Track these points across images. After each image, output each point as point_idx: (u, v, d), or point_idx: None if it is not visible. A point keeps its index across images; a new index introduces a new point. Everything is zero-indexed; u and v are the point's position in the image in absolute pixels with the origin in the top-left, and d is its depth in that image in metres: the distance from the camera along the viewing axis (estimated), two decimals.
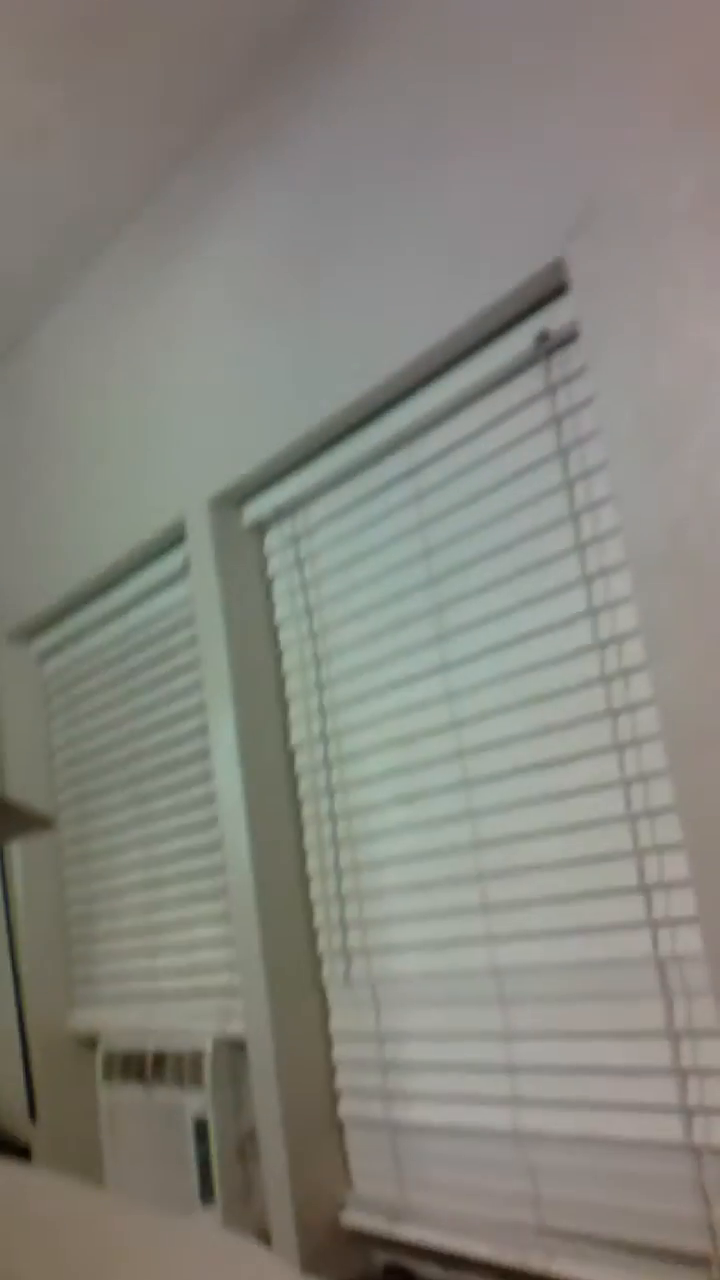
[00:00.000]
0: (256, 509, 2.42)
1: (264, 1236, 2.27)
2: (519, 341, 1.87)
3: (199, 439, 2.49)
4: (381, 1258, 2.20)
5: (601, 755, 1.78)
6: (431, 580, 2.08)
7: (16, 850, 3.14)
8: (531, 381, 1.89)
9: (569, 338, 1.80)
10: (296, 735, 2.40)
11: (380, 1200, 2.18)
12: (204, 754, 2.55)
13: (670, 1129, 1.68)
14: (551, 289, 1.79)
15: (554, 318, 1.81)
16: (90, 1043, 2.93)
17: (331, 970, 2.31)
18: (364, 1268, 2.21)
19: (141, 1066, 2.61)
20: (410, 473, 2.13)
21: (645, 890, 1.72)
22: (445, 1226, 2.04)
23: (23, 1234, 1.03)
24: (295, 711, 2.41)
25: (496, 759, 1.96)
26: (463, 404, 2.00)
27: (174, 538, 2.61)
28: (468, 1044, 2.01)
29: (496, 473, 1.96)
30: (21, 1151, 3.00)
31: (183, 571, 2.60)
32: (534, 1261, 1.87)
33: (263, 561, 2.47)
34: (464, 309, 1.88)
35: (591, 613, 1.80)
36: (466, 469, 2.01)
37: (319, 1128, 2.28)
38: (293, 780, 2.40)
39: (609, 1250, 1.78)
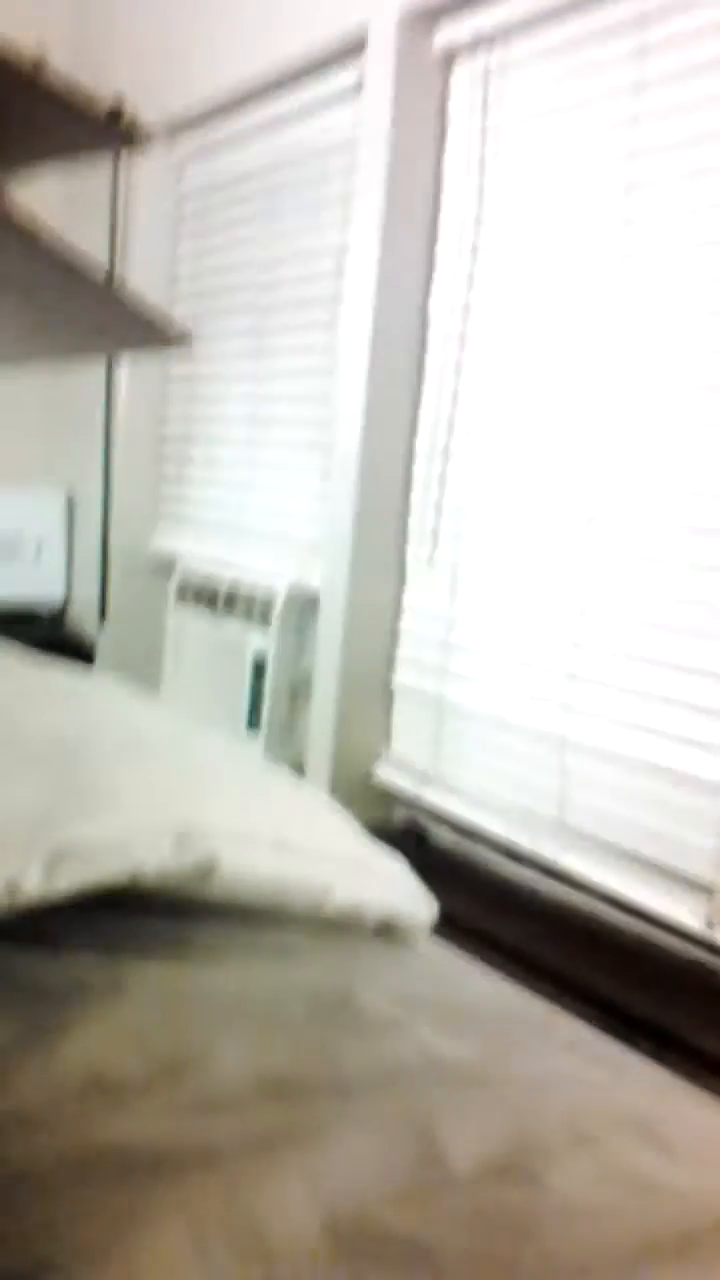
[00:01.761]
0: (451, 33, 2.13)
1: (298, 772, 2.41)
2: None
3: None
4: (402, 815, 2.34)
5: None
6: (631, 155, 1.85)
7: (125, 366, 3.08)
8: None
9: None
10: (437, 301, 2.24)
11: (414, 763, 2.29)
12: (336, 299, 2.41)
13: (711, 768, 1.71)
14: None
15: None
16: (168, 565, 3.00)
17: (417, 548, 2.30)
18: (384, 820, 2.36)
19: (214, 596, 2.68)
20: (638, 21, 1.83)
21: None
22: (469, 799, 2.14)
23: (124, 751, 1.06)
24: (442, 273, 2.24)
25: (638, 380, 1.82)
26: None
27: (350, 49, 2.32)
28: (536, 644, 2.02)
29: None
30: (86, 651, 3.16)
31: (352, 92, 2.35)
32: (545, 849, 1.98)
33: (445, 96, 2.20)
34: None
35: None
36: (711, 29, 1.72)
37: (371, 687, 2.36)
38: (422, 348, 2.27)
39: (620, 857, 1.86)
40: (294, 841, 0.96)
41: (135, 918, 0.91)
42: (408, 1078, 0.76)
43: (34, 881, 0.82)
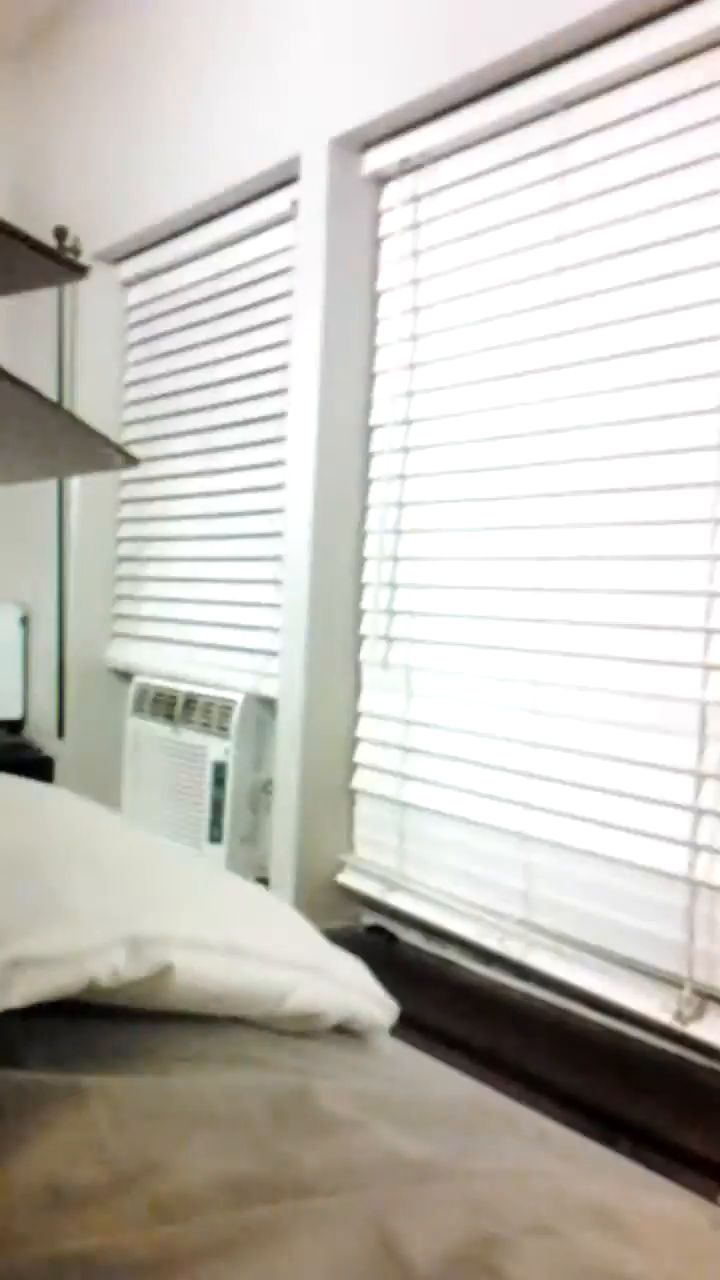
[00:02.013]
0: (380, 158, 2.24)
1: (262, 881, 2.40)
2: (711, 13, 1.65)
3: (329, 70, 2.27)
4: (369, 919, 2.33)
5: (694, 489, 1.71)
6: (558, 270, 1.93)
7: (76, 483, 3.13)
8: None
9: None
10: (378, 414, 2.31)
11: (378, 867, 2.29)
12: (280, 415, 2.48)
13: (674, 861, 1.72)
14: None
15: None
16: (125, 676, 3.02)
17: (370, 652, 2.33)
18: (351, 925, 2.35)
19: (172, 706, 2.69)
20: (556, 146, 1.93)
21: (706, 632, 1.69)
22: (435, 903, 2.14)
23: (78, 861, 1.07)
24: (380, 388, 2.31)
25: (578, 471, 1.88)
26: (634, 76, 1.79)
27: (285, 177, 2.43)
28: (492, 744, 2.04)
29: (663, 157, 1.76)
30: (45, 764, 3.15)
31: (288, 215, 2.44)
32: (513, 950, 1.97)
33: (376, 218, 2.30)
34: None
35: None
36: (625, 150, 1.82)
37: (332, 792, 2.37)
38: (366, 459, 2.33)
39: (588, 954, 1.86)
40: (249, 946, 0.97)
41: (91, 1027, 0.91)
42: (367, 1176, 0.76)
43: None
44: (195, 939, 0.93)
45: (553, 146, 1.94)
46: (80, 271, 1.04)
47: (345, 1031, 1.04)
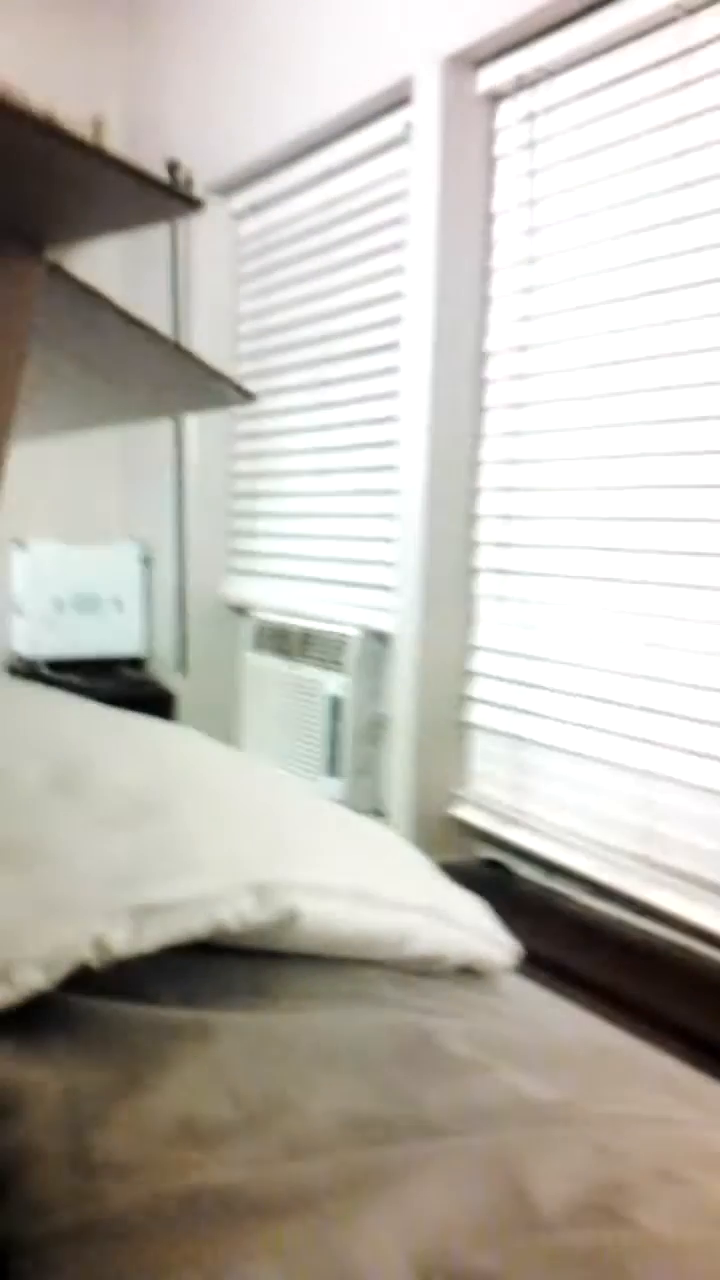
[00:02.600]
0: (493, 76, 2.16)
1: (378, 814, 2.42)
2: None
3: None
4: (484, 854, 2.33)
5: None
6: (680, 186, 1.85)
7: (192, 421, 3.15)
8: None
9: None
10: (494, 339, 2.26)
11: (494, 802, 2.28)
12: (394, 345, 2.44)
13: None
14: None
15: None
16: (242, 612, 3.04)
17: (486, 586, 2.31)
18: (466, 859, 2.35)
19: (288, 642, 2.71)
20: (680, 55, 1.84)
21: None
22: (551, 837, 2.13)
23: (203, 804, 1.08)
24: (495, 313, 2.26)
25: (700, 397, 1.82)
26: None
27: (397, 99, 2.37)
28: (610, 679, 2.01)
29: None
30: (167, 700, 3.21)
31: (401, 138, 2.39)
32: (631, 885, 1.96)
33: (491, 137, 2.23)
34: None
35: None
36: None
37: (447, 725, 2.37)
38: (481, 387, 2.29)
39: (708, 891, 1.84)
40: (373, 891, 0.97)
41: (219, 966, 0.93)
42: (493, 1118, 0.76)
43: (120, 939, 0.84)
44: (320, 885, 0.94)
45: (675, 57, 1.85)
46: (195, 205, 1.03)
47: (468, 971, 1.04)
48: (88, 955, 0.83)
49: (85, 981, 0.86)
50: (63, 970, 0.82)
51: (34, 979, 0.80)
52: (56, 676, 3.18)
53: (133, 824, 0.98)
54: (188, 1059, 0.80)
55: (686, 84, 1.84)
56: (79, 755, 1.20)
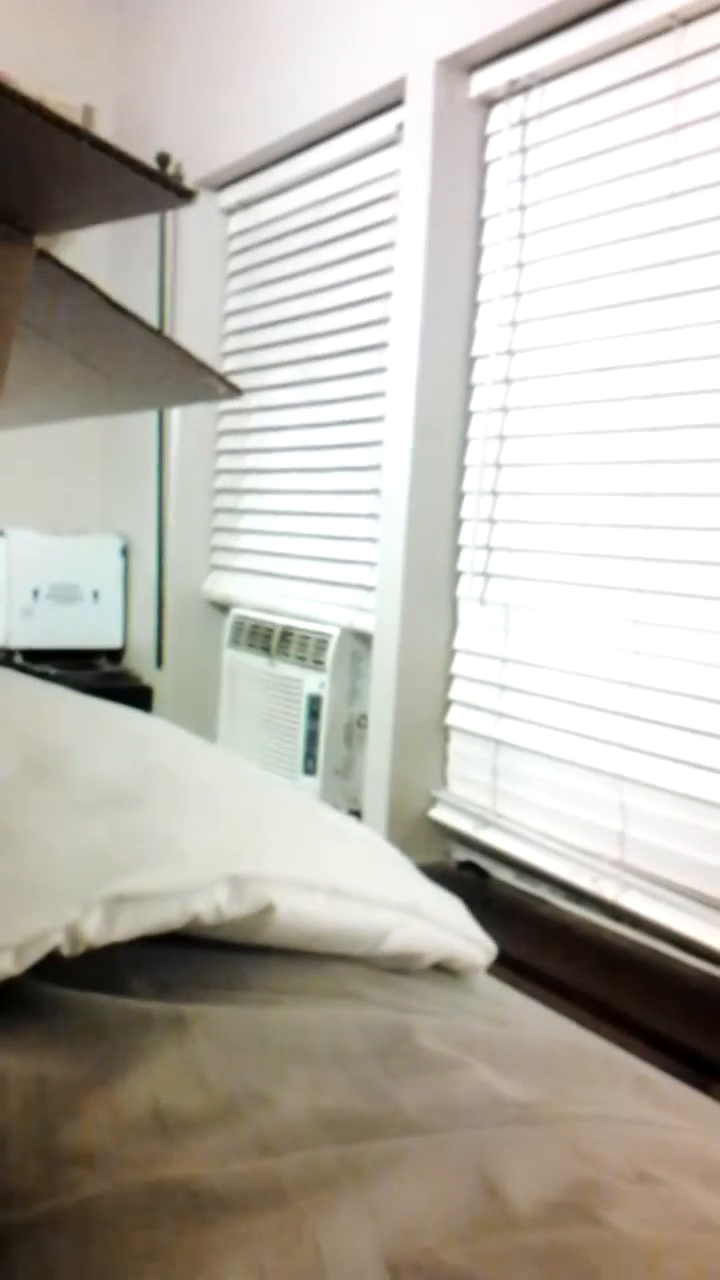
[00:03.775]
0: (487, 79, 2.17)
1: (355, 814, 2.41)
2: None
3: None
4: (461, 855, 2.34)
5: None
6: (670, 195, 1.86)
7: (176, 414, 3.14)
8: None
9: None
10: (482, 342, 2.27)
11: (471, 804, 2.28)
12: (381, 346, 2.44)
13: None
14: None
15: None
16: (222, 609, 3.04)
17: (467, 588, 2.31)
18: (442, 860, 2.35)
19: (268, 639, 2.71)
20: (673, 65, 1.85)
21: None
22: (528, 840, 2.13)
23: (181, 795, 1.08)
24: (483, 316, 2.26)
25: (685, 405, 1.83)
26: None
27: (390, 100, 2.37)
28: (589, 683, 2.01)
29: None
30: (144, 694, 3.20)
31: (393, 139, 2.39)
32: (607, 890, 1.96)
33: (482, 141, 2.24)
34: None
35: None
36: None
37: (426, 727, 2.37)
38: (467, 389, 2.30)
39: (683, 897, 1.84)
40: (349, 887, 0.97)
41: (194, 958, 0.92)
42: (467, 1116, 0.76)
43: (94, 927, 0.84)
44: (297, 878, 0.94)
45: (668, 66, 1.86)
46: (187, 196, 1.02)
47: (444, 970, 1.04)
48: (60, 942, 0.82)
49: (57, 970, 0.85)
50: (34, 957, 0.81)
51: (4, 965, 0.79)
52: (33, 667, 3.16)
53: (109, 812, 0.97)
54: (160, 1050, 0.79)
55: (680, 93, 1.84)
56: (55, 742, 1.19)
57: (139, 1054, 0.80)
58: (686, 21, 1.82)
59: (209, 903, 0.88)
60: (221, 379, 1.34)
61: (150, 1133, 0.73)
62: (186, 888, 0.88)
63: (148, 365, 1.39)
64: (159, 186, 1.05)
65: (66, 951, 0.83)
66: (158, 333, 1.29)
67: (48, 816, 0.98)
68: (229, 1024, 0.84)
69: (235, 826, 1.02)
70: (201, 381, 1.41)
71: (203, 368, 1.28)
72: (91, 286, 1.12)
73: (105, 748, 1.21)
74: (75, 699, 1.50)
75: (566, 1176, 0.70)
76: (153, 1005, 0.85)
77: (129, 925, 0.85)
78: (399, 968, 1.01)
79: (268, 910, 0.90)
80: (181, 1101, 0.75)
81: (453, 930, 1.04)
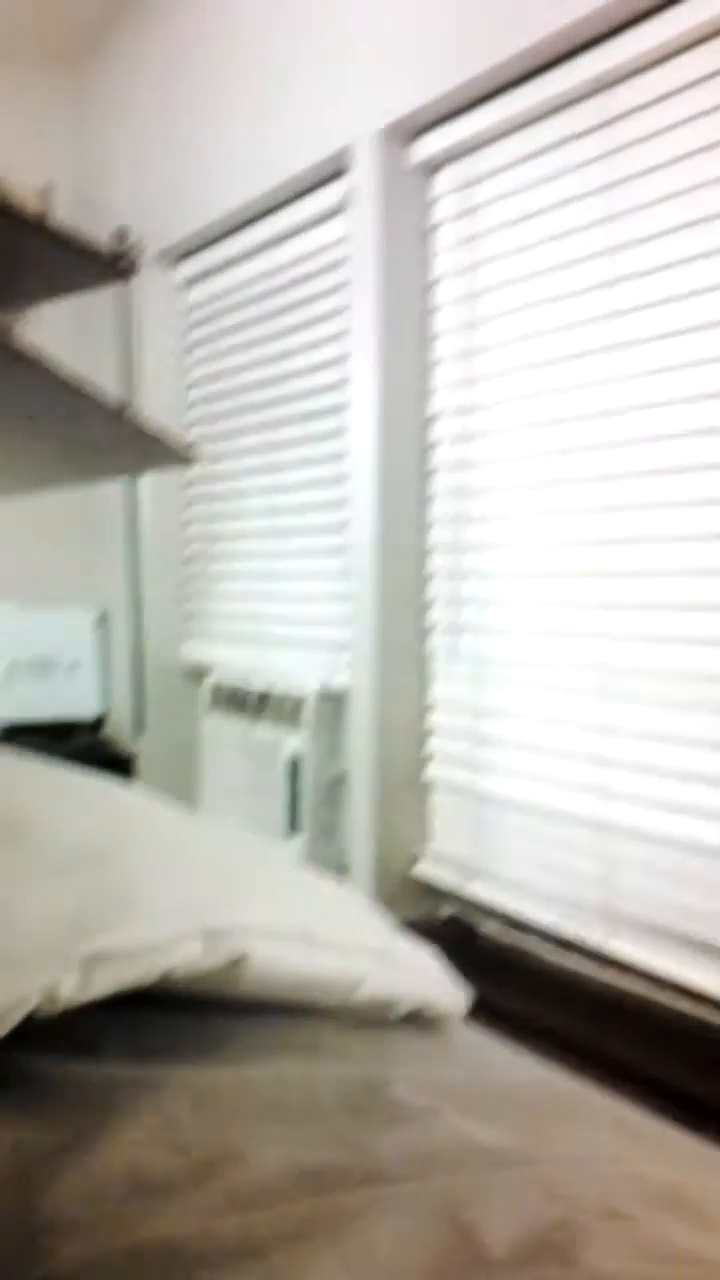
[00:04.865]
0: (429, 145, 2.23)
1: (340, 874, 2.41)
2: None
3: (375, 63, 2.26)
4: (448, 909, 2.33)
5: None
6: (611, 249, 1.91)
7: (146, 484, 3.17)
8: None
9: None
10: (437, 403, 2.31)
11: (455, 857, 2.29)
12: (341, 408, 2.48)
13: None
14: None
15: None
16: (199, 674, 3.05)
17: (439, 643, 2.33)
18: (430, 915, 2.35)
19: (245, 702, 2.72)
20: (602, 126, 1.91)
21: None
22: (513, 891, 2.13)
23: (152, 853, 1.09)
24: (439, 377, 2.30)
25: (641, 452, 1.86)
26: (674, 53, 1.76)
27: (335, 169, 2.43)
28: (565, 731, 2.03)
29: (709, 131, 1.74)
30: (126, 763, 3.20)
31: (341, 207, 2.45)
32: (594, 937, 1.96)
33: (428, 206, 2.29)
34: None
35: None
36: (671, 126, 1.79)
37: (406, 783, 2.37)
38: (426, 448, 2.33)
39: (669, 940, 1.85)
40: (322, 936, 0.98)
41: (167, 1020, 0.93)
42: (441, 1163, 0.77)
43: (70, 987, 0.85)
44: (269, 928, 0.95)
45: (598, 127, 1.92)
46: (126, 274, 1.05)
47: (418, 1020, 1.05)
48: (38, 1004, 0.83)
49: (30, 1036, 0.86)
50: (13, 1022, 0.82)
51: None
52: (12, 743, 3.16)
53: (81, 873, 0.98)
54: (135, 1114, 0.80)
55: (610, 152, 1.90)
56: (26, 809, 1.20)
57: (115, 1119, 0.80)
58: (611, 85, 1.88)
59: (184, 956, 0.89)
60: (184, 447, 1.37)
61: (128, 1196, 0.73)
62: (160, 943, 0.89)
63: (106, 437, 1.42)
64: (115, 266, 1.08)
65: (45, 1013, 0.84)
66: (121, 405, 1.33)
67: (20, 880, 1.00)
68: (204, 1085, 0.85)
69: (206, 881, 1.03)
70: (159, 450, 1.44)
71: (158, 437, 1.31)
72: (46, 362, 1.15)
73: (76, 812, 1.22)
74: (42, 767, 1.52)
75: (540, 1217, 0.71)
76: (127, 1070, 0.86)
77: (105, 983, 0.86)
78: (373, 1019, 1.01)
79: (242, 961, 0.91)
80: (157, 1163, 0.76)
81: (426, 977, 1.05)
